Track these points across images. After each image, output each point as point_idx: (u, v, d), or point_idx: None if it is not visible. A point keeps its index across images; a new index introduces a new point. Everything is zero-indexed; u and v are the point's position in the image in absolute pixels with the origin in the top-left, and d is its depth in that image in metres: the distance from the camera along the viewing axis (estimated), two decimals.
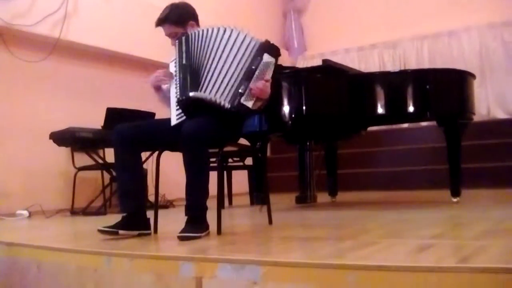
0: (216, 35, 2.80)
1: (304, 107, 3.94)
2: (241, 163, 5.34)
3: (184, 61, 2.80)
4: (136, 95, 5.55)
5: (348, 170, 6.41)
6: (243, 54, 2.79)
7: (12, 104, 5.06)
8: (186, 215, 2.67)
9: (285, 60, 8.49)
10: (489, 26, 7.36)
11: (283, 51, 8.83)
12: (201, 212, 2.69)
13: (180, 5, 3.01)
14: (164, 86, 2.97)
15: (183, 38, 2.84)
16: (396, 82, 4.15)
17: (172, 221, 3.74)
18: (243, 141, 3.77)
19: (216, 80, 2.75)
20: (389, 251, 2.00)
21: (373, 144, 7.06)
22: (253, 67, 2.77)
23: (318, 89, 4.09)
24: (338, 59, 7.34)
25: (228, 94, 2.75)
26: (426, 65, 7.62)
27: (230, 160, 5.14)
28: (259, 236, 2.88)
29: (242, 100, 2.74)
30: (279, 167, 6.97)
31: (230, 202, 5.44)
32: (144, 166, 3.48)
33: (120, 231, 2.70)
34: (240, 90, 2.74)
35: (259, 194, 5.01)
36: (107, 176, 5.13)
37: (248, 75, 2.76)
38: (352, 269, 1.68)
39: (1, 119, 4.95)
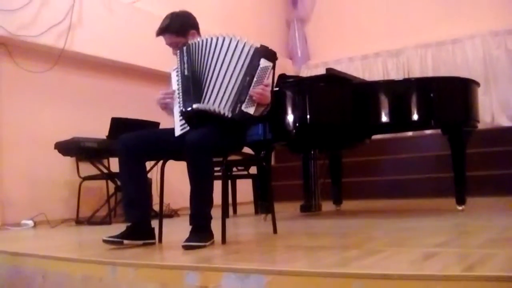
0: (216, 45, 2.81)
1: (308, 116, 3.94)
2: (245, 172, 5.35)
3: (186, 72, 2.81)
4: (141, 105, 5.57)
5: (353, 179, 6.40)
6: (241, 62, 2.79)
7: (17, 114, 5.08)
8: (190, 224, 2.68)
9: (289, 69, 8.51)
10: (493, 34, 7.36)
11: (287, 60, 8.94)
12: (206, 221, 2.69)
13: (181, 14, 3.01)
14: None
15: (184, 48, 2.85)
16: (400, 91, 4.15)
17: (176, 230, 3.74)
18: (247, 150, 3.77)
19: (218, 90, 2.76)
20: (394, 260, 1.99)
21: (378, 152, 7.04)
22: (251, 73, 2.78)
23: (322, 98, 4.09)
24: (342, 67, 7.40)
25: (228, 103, 2.75)
26: (430, 73, 7.62)
27: (234, 169, 5.14)
28: (264, 245, 2.88)
29: (243, 108, 2.74)
30: (284, 176, 6.97)
31: (235, 211, 5.44)
32: (149, 175, 3.49)
33: (125, 241, 2.70)
34: (240, 98, 2.75)
35: (263, 203, 4.99)
36: (112, 186, 5.14)
37: (247, 82, 2.76)
38: (357, 277, 1.67)
39: (6, 129, 4.97)
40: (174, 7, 3.07)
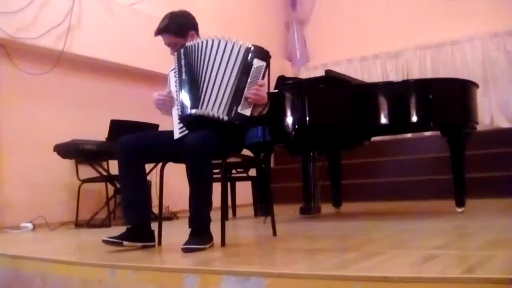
0: (211, 47, 2.80)
1: (307, 118, 3.94)
2: (244, 174, 5.35)
3: (183, 76, 2.81)
4: (140, 107, 5.56)
5: (352, 181, 6.40)
6: (233, 63, 2.78)
7: (16, 117, 5.08)
8: (190, 227, 2.67)
9: (288, 71, 8.51)
10: (492, 36, 7.37)
11: (286, 62, 8.95)
12: (205, 224, 2.69)
13: (179, 15, 3.00)
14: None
15: (182, 50, 2.84)
16: (399, 92, 4.15)
17: (176, 233, 3.73)
18: (246, 152, 3.77)
19: (215, 94, 2.75)
20: (394, 262, 1.99)
21: (377, 154, 7.04)
22: (245, 74, 2.77)
23: (321, 99, 4.10)
24: (341, 69, 7.42)
25: (224, 106, 2.74)
26: (429, 75, 7.63)
27: (233, 171, 5.14)
28: (263, 247, 2.88)
29: (239, 110, 2.73)
30: (283, 178, 6.96)
31: (234, 214, 5.44)
32: (148, 178, 3.49)
33: (125, 243, 2.70)
34: (235, 100, 2.74)
35: (263, 205, 4.98)
36: (111, 188, 5.14)
37: (241, 83, 2.76)
38: (356, 280, 1.67)
39: (5, 132, 4.97)
40: (174, 9, 3.07)
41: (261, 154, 4.23)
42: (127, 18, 5.99)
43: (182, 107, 2.77)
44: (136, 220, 2.78)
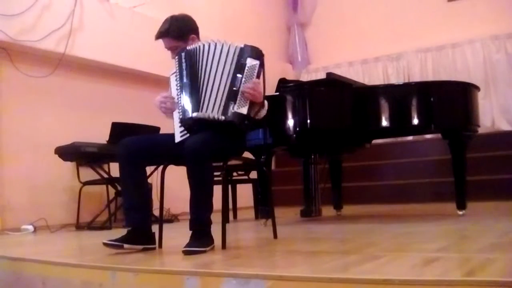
0: (208, 51, 2.81)
1: (308, 121, 3.94)
2: (245, 177, 5.34)
3: (184, 79, 2.82)
4: (141, 110, 5.58)
5: (353, 183, 6.40)
6: (228, 64, 2.79)
7: (18, 119, 5.08)
8: (190, 229, 2.67)
9: (289, 73, 8.51)
10: (493, 38, 7.36)
11: (287, 65, 8.95)
12: (206, 226, 2.69)
13: (180, 18, 3.00)
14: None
15: (182, 54, 2.85)
16: (400, 95, 4.15)
17: (176, 235, 3.72)
18: (247, 154, 3.77)
19: (215, 97, 2.76)
20: (394, 265, 1.99)
21: (378, 157, 7.04)
22: (239, 73, 2.78)
23: (322, 102, 4.10)
24: (342, 72, 7.40)
25: (219, 106, 2.75)
26: (430, 77, 7.62)
27: (234, 174, 5.14)
28: (264, 250, 2.88)
29: (235, 109, 2.74)
30: (284, 181, 6.96)
31: (235, 216, 5.43)
32: (149, 180, 3.48)
33: (125, 245, 2.70)
34: (230, 99, 2.74)
35: (264, 208, 4.98)
36: (112, 191, 5.13)
37: (236, 83, 2.76)
38: (357, 283, 1.67)
39: (6, 134, 4.97)
40: (175, 12, 3.07)
41: (262, 157, 4.23)
42: (128, 21, 5.99)
43: (183, 110, 2.78)
44: (137, 223, 2.78)
